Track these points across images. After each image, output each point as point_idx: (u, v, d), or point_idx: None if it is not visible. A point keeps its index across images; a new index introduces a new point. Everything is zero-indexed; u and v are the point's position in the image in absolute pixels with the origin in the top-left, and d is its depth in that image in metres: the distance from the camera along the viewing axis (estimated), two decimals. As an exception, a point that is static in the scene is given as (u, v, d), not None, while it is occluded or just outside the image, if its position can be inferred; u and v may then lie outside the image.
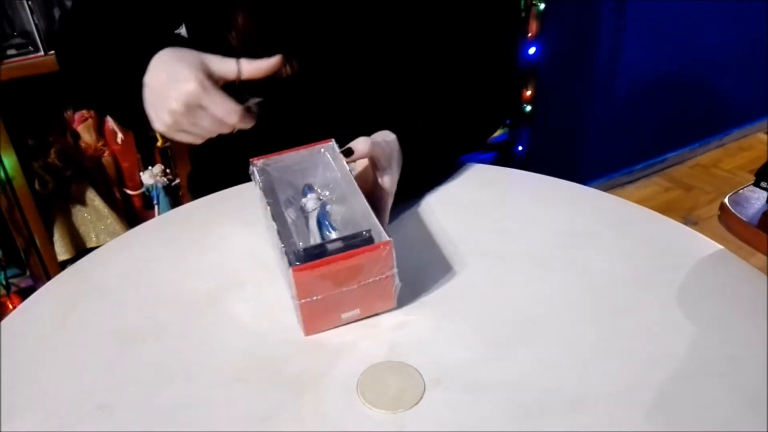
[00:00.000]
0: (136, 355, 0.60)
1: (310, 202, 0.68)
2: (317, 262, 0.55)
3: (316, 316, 0.59)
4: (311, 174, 0.71)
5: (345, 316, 0.61)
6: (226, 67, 0.66)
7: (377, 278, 0.58)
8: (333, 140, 0.70)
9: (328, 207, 0.69)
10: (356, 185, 0.65)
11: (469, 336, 0.60)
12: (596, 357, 0.57)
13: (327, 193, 0.70)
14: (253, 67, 0.67)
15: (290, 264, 0.55)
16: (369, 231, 0.59)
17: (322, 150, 0.70)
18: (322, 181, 0.70)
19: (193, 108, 0.64)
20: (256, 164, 0.68)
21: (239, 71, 0.66)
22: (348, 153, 0.68)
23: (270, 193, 0.65)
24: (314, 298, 0.57)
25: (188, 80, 0.63)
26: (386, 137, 0.73)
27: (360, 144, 0.68)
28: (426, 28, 0.81)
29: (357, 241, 0.57)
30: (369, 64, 0.82)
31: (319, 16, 0.79)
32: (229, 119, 0.65)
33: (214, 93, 0.64)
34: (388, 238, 0.58)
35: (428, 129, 0.80)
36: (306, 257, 0.56)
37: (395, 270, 0.59)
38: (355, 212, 0.66)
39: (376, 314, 0.63)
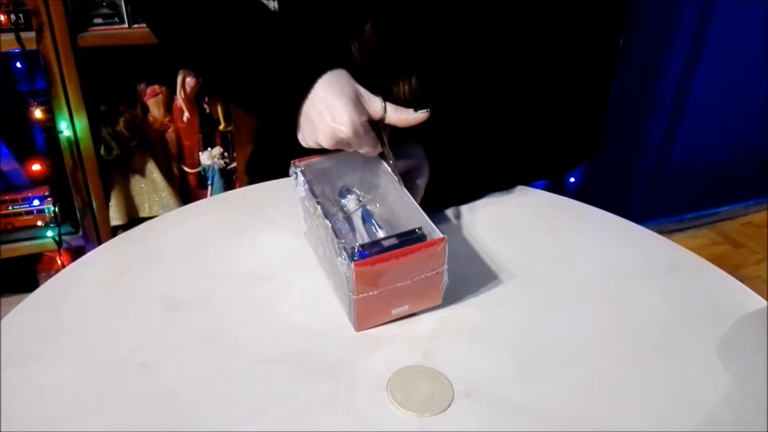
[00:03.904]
0: (182, 322, 0.62)
1: (350, 203, 0.69)
2: (377, 257, 0.57)
3: (368, 312, 0.61)
4: (348, 176, 0.72)
5: (395, 311, 0.62)
6: (374, 107, 0.67)
7: (429, 274, 0.60)
8: None
9: (368, 207, 0.70)
10: (401, 184, 0.67)
11: (504, 354, 0.61)
12: (628, 393, 0.57)
13: (364, 194, 0.71)
14: (398, 116, 0.68)
15: (351, 259, 0.56)
16: (420, 228, 0.61)
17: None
18: (359, 182, 0.72)
19: (339, 143, 0.66)
20: (299, 166, 0.68)
21: (384, 116, 0.68)
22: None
23: (314, 194, 0.66)
24: (370, 293, 0.59)
25: (342, 124, 0.64)
26: (416, 150, 0.75)
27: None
28: (538, 59, 0.80)
29: (412, 238, 0.59)
30: (480, 89, 0.81)
31: (443, 39, 0.78)
32: (368, 155, 0.68)
33: (363, 138, 0.66)
34: (442, 235, 0.59)
35: (476, 150, 0.80)
36: (365, 254, 0.57)
37: (446, 266, 0.60)
38: (396, 211, 0.68)
39: (422, 312, 0.64)
